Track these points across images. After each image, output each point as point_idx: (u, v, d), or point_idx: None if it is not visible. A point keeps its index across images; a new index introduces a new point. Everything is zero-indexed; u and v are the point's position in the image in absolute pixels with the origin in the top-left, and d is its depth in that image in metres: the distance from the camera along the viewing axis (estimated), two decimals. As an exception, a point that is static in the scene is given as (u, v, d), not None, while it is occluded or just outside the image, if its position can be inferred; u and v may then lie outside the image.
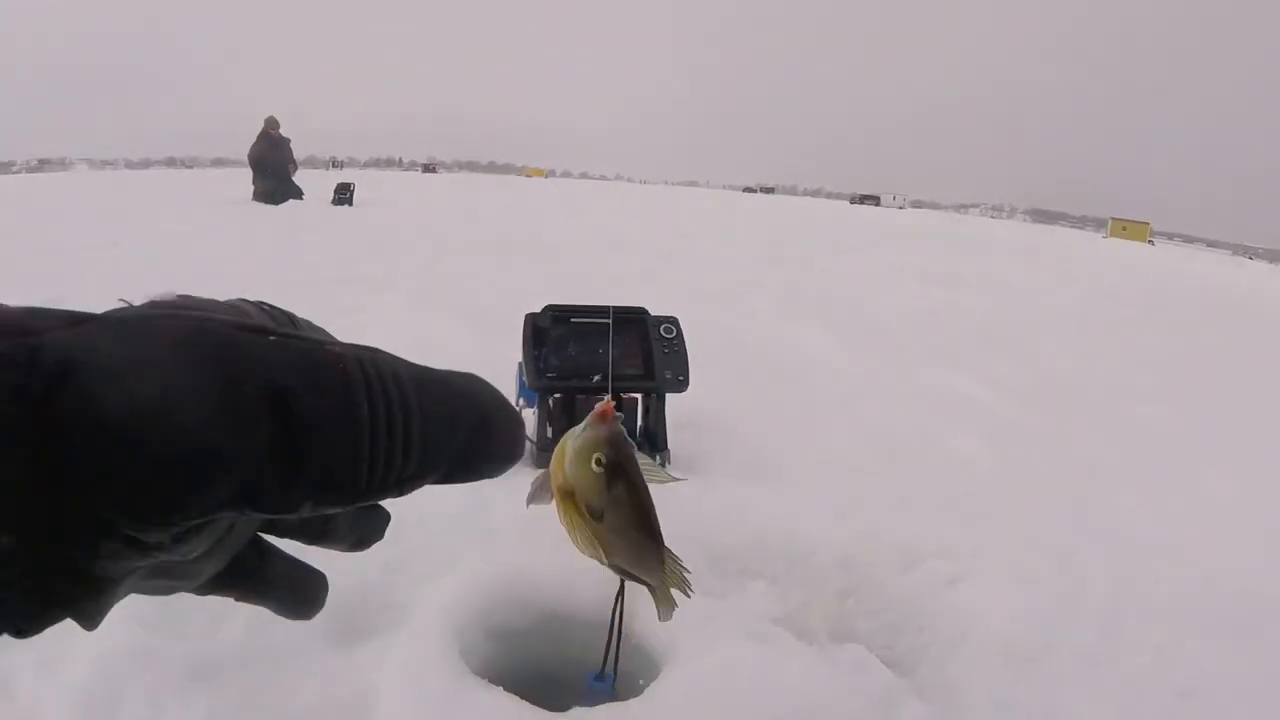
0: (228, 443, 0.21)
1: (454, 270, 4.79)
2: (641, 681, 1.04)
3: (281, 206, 9.33)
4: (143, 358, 0.21)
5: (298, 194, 10.25)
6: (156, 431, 0.20)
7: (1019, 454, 2.23)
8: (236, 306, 0.27)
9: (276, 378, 0.22)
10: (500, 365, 1.83)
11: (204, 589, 0.29)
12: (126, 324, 0.22)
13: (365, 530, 0.31)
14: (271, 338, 0.24)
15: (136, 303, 0.25)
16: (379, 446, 0.24)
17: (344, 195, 10.35)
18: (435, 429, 0.25)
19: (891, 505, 1.76)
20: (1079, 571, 1.55)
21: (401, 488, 0.25)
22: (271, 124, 10.19)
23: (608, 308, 1.71)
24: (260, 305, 0.28)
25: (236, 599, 0.30)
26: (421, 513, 1.40)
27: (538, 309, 1.73)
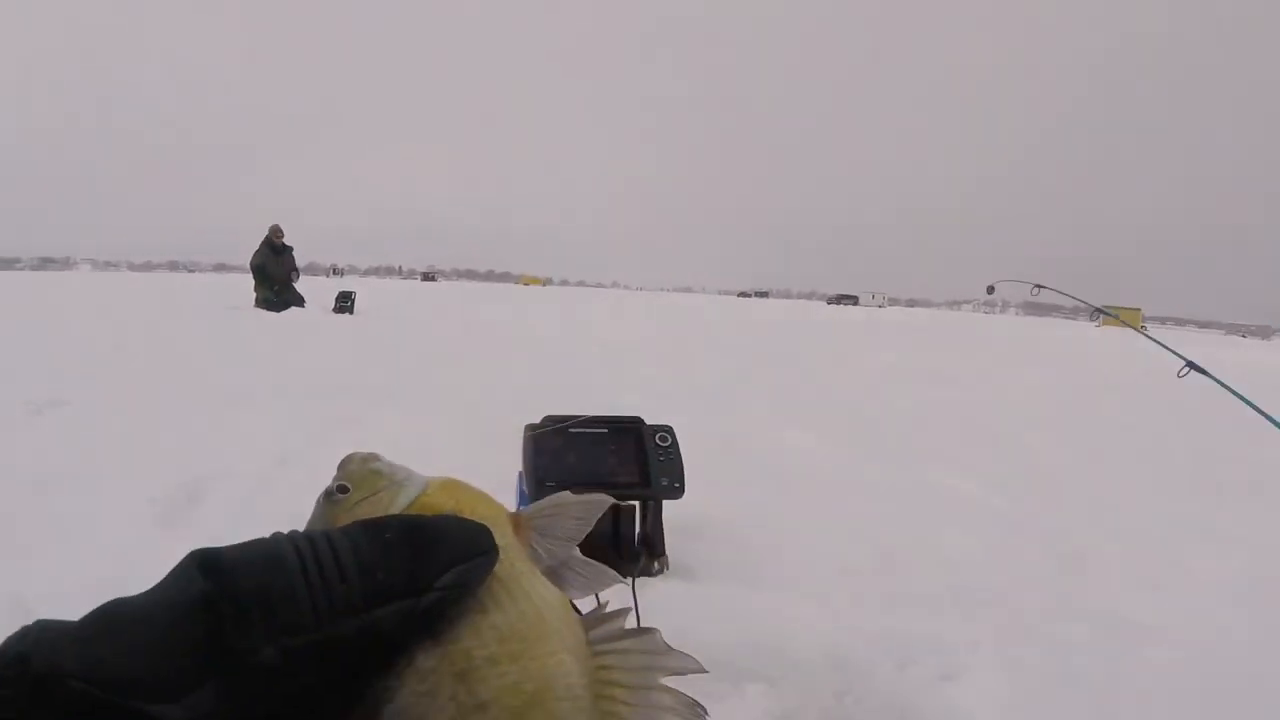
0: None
1: (454, 380, 4.88)
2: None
3: (283, 314, 9.51)
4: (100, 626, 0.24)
5: (300, 301, 10.46)
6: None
7: (1009, 546, 2.27)
8: None
9: (207, 555, 0.26)
10: (502, 475, 1.88)
11: None
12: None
13: None
14: None
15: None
16: (309, 574, 0.25)
17: (345, 303, 10.58)
18: (368, 551, 0.26)
19: (886, 603, 1.80)
20: (1070, 659, 1.59)
21: (358, 616, 0.25)
22: (275, 232, 10.50)
23: (604, 418, 1.79)
24: None
25: None
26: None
27: (537, 419, 1.80)
